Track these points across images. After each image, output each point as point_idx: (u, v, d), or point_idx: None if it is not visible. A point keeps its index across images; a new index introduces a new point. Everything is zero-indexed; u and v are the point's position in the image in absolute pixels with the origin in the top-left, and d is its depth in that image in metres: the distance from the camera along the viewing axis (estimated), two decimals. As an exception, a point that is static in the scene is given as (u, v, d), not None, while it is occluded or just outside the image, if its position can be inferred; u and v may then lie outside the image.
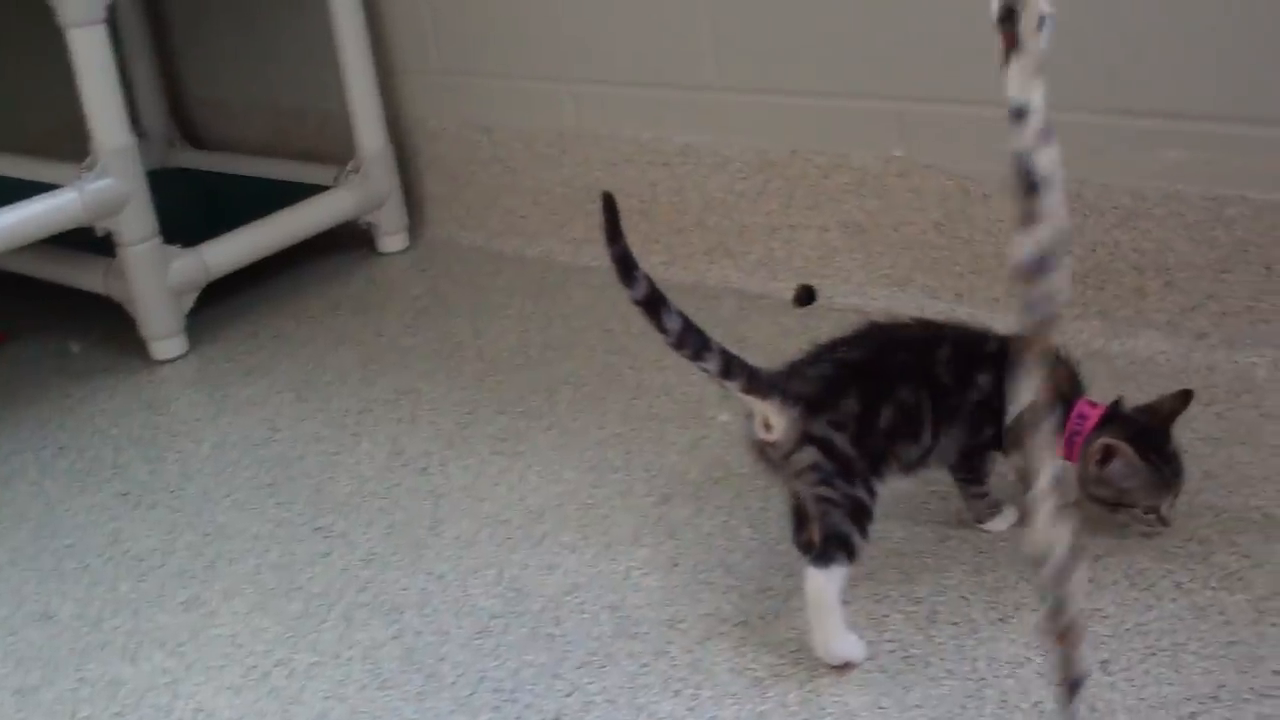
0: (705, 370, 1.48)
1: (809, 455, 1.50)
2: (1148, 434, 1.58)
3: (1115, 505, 1.60)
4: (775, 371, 1.56)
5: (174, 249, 2.56)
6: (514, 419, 2.17)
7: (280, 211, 2.74)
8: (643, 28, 2.47)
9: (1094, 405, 1.61)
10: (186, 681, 1.69)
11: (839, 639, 1.51)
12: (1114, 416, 1.59)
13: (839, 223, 2.33)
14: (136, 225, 2.48)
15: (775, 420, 1.50)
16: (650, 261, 2.59)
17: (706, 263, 2.53)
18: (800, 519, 1.62)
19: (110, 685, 1.70)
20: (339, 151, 2.90)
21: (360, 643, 1.71)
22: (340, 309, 2.70)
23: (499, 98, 2.74)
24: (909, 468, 1.58)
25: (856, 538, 1.50)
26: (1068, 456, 1.57)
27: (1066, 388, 1.59)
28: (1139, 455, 1.56)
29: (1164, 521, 1.62)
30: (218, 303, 2.68)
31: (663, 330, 1.49)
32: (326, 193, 2.82)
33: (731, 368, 1.47)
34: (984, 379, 1.57)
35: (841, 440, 1.51)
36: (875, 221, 2.28)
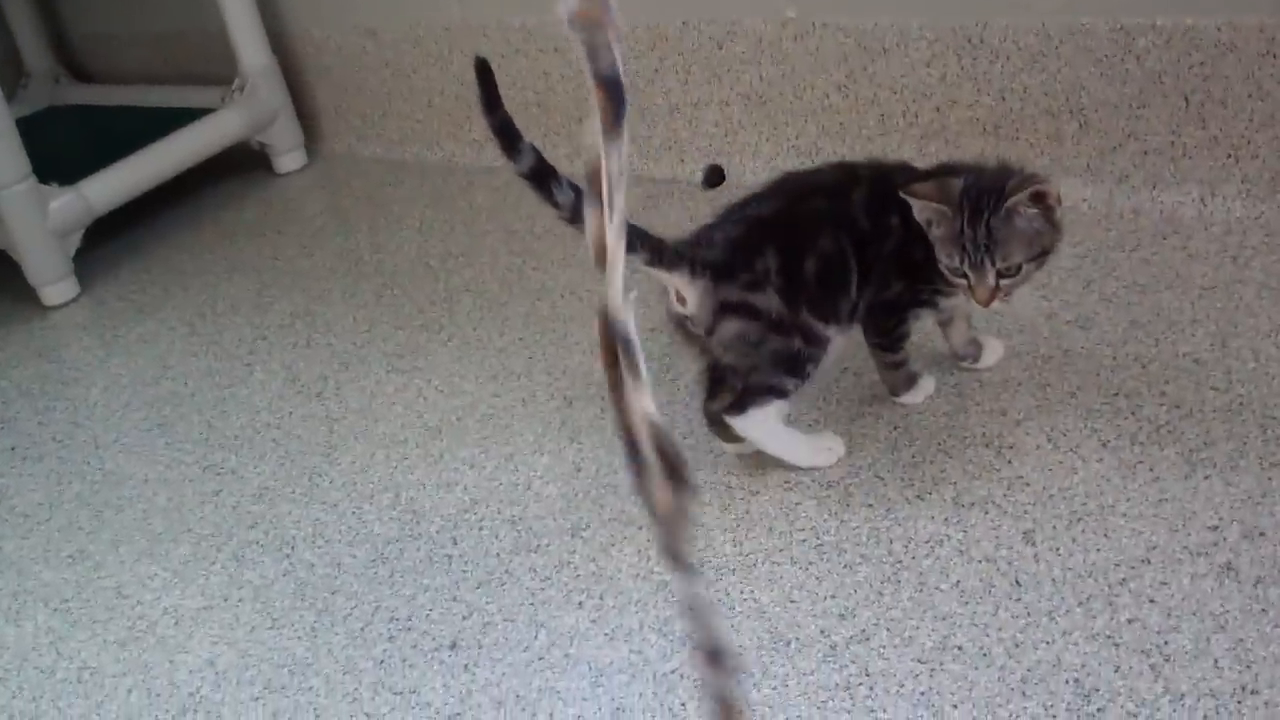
0: (559, 216, 1.40)
1: (731, 327, 1.42)
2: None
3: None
4: (683, 241, 1.46)
5: (51, 188, 2.42)
6: (412, 333, 2.06)
7: (163, 139, 2.60)
8: (519, -93, 2.33)
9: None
10: (70, 639, 1.59)
11: (805, 453, 1.51)
12: None
13: (740, 95, 2.21)
14: (7, 166, 2.34)
15: (687, 293, 1.41)
16: (553, 155, 2.47)
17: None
18: (713, 385, 1.52)
19: (-7, 650, 1.61)
20: (225, 72, 2.75)
21: (250, 582, 1.61)
22: (236, 236, 2.57)
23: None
24: (843, 321, 1.47)
25: (788, 381, 1.45)
26: None
27: None
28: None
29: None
30: (109, 240, 2.55)
31: (554, 204, 1.39)
32: (212, 115, 2.67)
33: (633, 241, 1.34)
34: (896, 222, 1.44)
35: (763, 299, 1.41)
36: (776, 90, 2.15)
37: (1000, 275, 1.37)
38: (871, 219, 1.45)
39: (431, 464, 1.74)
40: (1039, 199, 1.36)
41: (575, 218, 1.36)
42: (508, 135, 1.38)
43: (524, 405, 1.81)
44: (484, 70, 1.35)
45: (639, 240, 1.38)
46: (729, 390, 1.49)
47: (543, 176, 1.39)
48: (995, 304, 1.39)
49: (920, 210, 1.40)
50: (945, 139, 1.98)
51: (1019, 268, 1.37)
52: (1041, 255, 1.38)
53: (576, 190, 1.34)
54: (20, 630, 1.63)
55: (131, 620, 1.60)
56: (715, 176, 2.27)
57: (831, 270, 1.44)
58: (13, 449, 2.03)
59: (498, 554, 1.55)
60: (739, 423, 1.48)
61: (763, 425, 1.47)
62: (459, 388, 1.89)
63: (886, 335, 1.54)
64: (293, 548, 1.65)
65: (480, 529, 1.60)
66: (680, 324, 1.46)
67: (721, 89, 2.22)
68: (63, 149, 2.74)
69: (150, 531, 1.75)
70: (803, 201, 1.47)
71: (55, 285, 2.45)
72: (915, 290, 1.48)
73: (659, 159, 2.34)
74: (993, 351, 1.62)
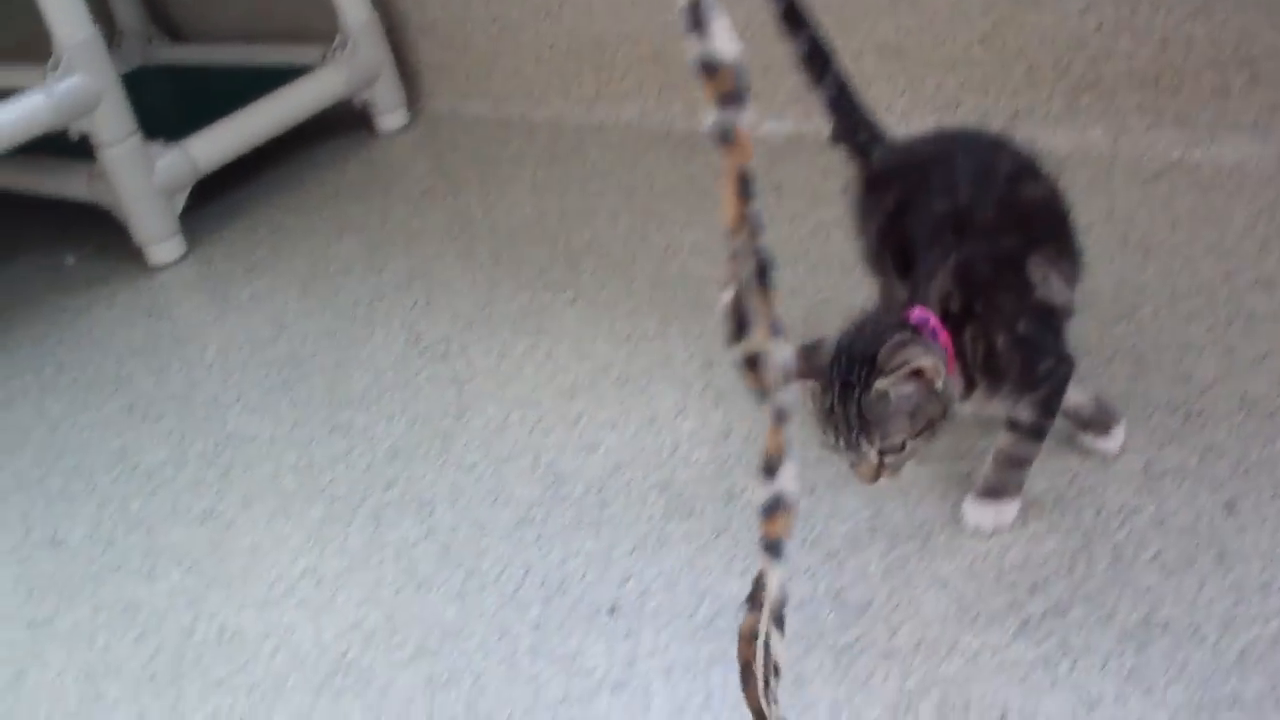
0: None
1: None
2: None
3: None
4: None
5: (157, 146, 2.38)
6: (535, 294, 2.01)
7: (267, 97, 2.55)
8: None
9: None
10: (207, 599, 1.56)
11: None
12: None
13: (874, 45, 2.14)
14: (113, 124, 2.31)
15: None
16: (671, 113, 2.42)
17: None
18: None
19: (128, 609, 1.57)
20: (322, 29, 2.71)
21: (391, 543, 1.57)
22: (341, 197, 2.53)
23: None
24: None
25: None
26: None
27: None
28: None
29: None
30: (213, 200, 2.51)
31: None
32: (313, 73, 2.63)
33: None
34: None
35: None
36: (914, 40, 2.08)
37: (883, 454, 1.22)
38: None
39: (569, 427, 1.69)
40: (916, 376, 1.18)
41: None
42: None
43: (660, 368, 1.76)
44: None
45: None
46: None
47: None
48: (884, 479, 1.24)
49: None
50: (1099, 93, 1.91)
51: (903, 444, 1.21)
52: (928, 427, 1.21)
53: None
54: (154, 590, 1.59)
55: (270, 581, 1.56)
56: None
57: None
58: (130, 408, 1.99)
59: (649, 519, 1.50)
60: None
61: None
62: (590, 350, 1.84)
63: None
64: (432, 509, 1.61)
65: (628, 493, 1.55)
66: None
67: (854, 39, 2.15)
68: (162, 108, 2.70)
69: (282, 491, 1.71)
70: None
71: (162, 244, 2.41)
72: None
73: (786, 112, 2.27)
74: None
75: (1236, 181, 1.77)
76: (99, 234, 2.52)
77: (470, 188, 2.42)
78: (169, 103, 2.84)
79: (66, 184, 2.47)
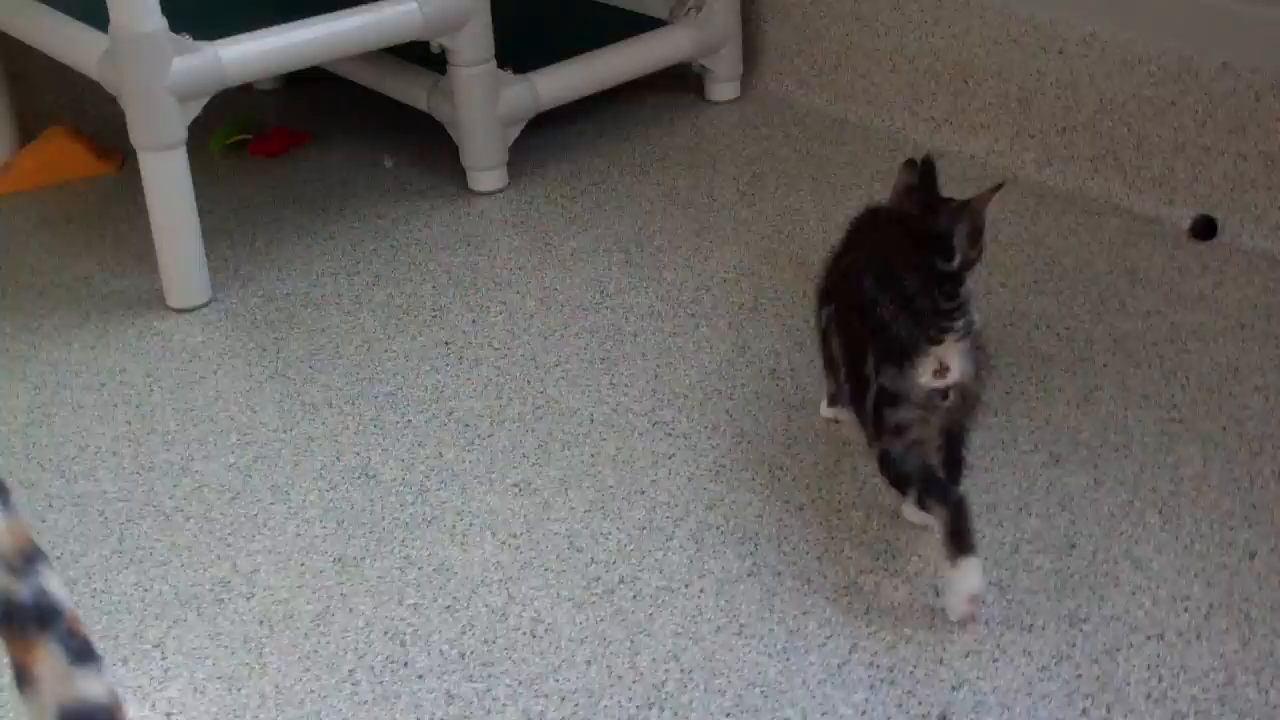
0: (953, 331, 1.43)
1: (985, 379, 1.49)
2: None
3: (976, 260, 1.61)
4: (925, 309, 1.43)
5: (507, 74, 2.37)
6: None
7: (617, 45, 2.53)
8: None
9: None
10: (522, 582, 1.56)
11: None
12: (926, 207, 1.61)
13: (1263, 153, 2.03)
14: (475, 45, 2.30)
15: (954, 361, 1.43)
16: (1022, 160, 2.33)
17: (1090, 171, 2.25)
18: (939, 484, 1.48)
19: (439, 571, 1.58)
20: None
21: (712, 572, 1.55)
22: (667, 161, 2.49)
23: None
24: None
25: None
26: None
27: None
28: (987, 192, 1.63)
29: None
30: (535, 135, 2.50)
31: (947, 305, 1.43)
32: (664, 29, 2.59)
33: (952, 326, 1.42)
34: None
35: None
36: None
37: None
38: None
39: (905, 490, 1.65)
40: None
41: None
42: (944, 243, 1.40)
43: (1003, 447, 1.70)
44: (928, 168, 1.49)
45: (945, 330, 1.41)
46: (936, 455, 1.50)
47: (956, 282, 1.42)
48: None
49: None
50: None
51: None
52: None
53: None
54: (468, 557, 1.60)
55: (587, 580, 1.55)
56: (1206, 228, 2.10)
57: None
58: (448, 344, 2.00)
59: (987, 622, 1.46)
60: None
61: None
62: (928, 407, 1.79)
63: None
64: (756, 544, 1.58)
65: (965, 585, 1.50)
66: (931, 406, 1.45)
67: (1244, 141, 2.05)
68: (503, 32, 2.67)
69: (600, 481, 1.70)
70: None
71: (489, 172, 2.41)
72: None
73: (1146, 192, 2.18)
74: None
75: None
76: (418, 141, 2.52)
77: (802, 185, 2.37)
78: (512, 28, 2.81)
79: (408, 90, 2.47)
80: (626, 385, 1.88)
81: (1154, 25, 2.11)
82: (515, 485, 1.71)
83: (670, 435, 1.78)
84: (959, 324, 1.40)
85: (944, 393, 1.44)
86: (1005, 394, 1.80)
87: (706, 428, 1.78)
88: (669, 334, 1.99)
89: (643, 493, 1.68)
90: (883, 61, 2.51)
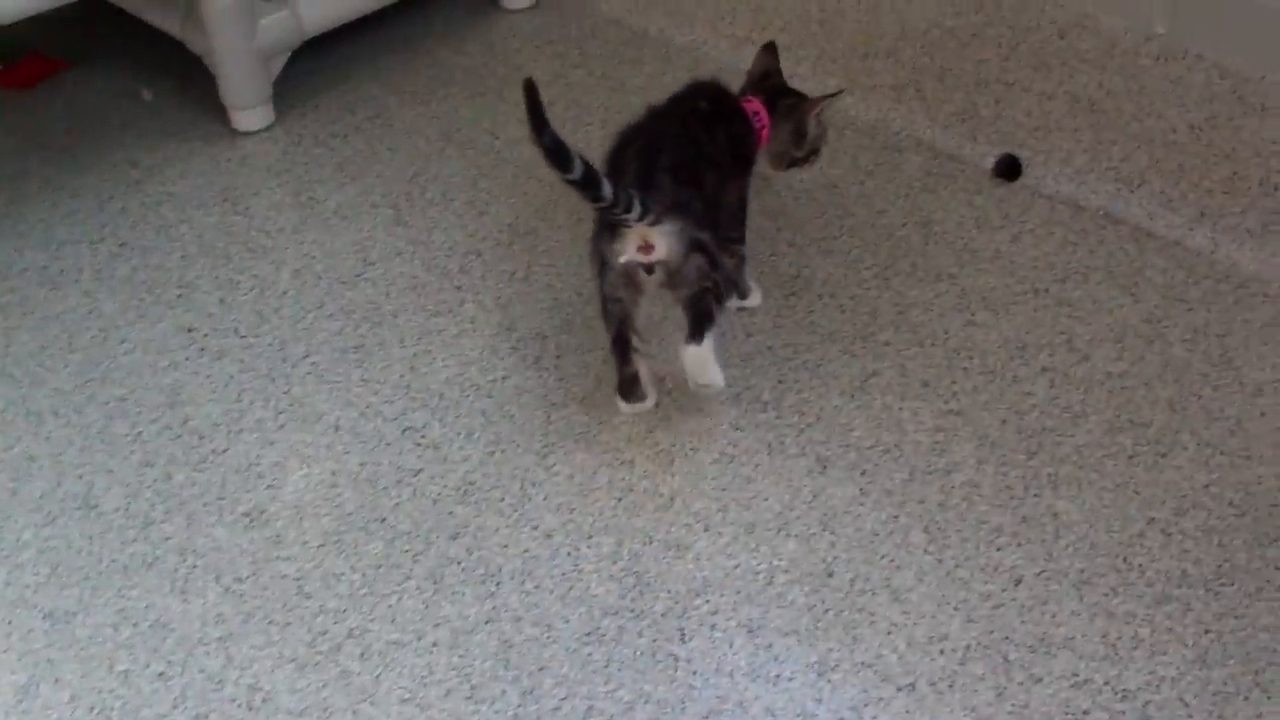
0: (601, 207, 1.50)
1: (695, 260, 1.55)
2: (792, 90, 1.77)
3: (805, 159, 1.75)
4: (629, 184, 1.52)
5: (263, 2, 2.15)
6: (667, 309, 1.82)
7: (391, -43, 2.31)
8: None
9: (748, 100, 1.72)
10: (243, 640, 1.44)
11: (718, 373, 1.58)
12: (770, 96, 1.73)
13: (1068, 93, 1.90)
14: (221, -26, 2.08)
15: (658, 240, 1.52)
16: (826, 85, 2.18)
17: (893, 101, 2.10)
18: (626, 346, 1.61)
19: (156, 629, 1.46)
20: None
21: (448, 620, 1.44)
22: (452, 88, 2.30)
23: None
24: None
25: (718, 309, 1.58)
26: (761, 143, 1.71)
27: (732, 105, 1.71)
28: (824, 97, 1.74)
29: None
30: (309, 57, 2.28)
31: (598, 201, 1.49)
32: (447, -65, 2.37)
33: (627, 200, 1.49)
34: (725, 134, 1.66)
35: (707, 231, 1.57)
36: (1115, 104, 1.85)
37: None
38: (712, 134, 1.65)
39: (660, 509, 1.54)
40: None
41: (618, 209, 1.49)
42: (559, 155, 1.44)
43: (769, 452, 1.60)
44: (532, 91, 1.44)
45: (631, 197, 1.49)
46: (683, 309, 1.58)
47: (591, 183, 1.47)
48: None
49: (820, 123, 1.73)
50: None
51: None
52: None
53: (616, 187, 1.48)
54: (188, 609, 1.48)
55: (313, 634, 1.44)
56: (1009, 168, 1.97)
57: (723, 190, 1.63)
58: (190, 331, 1.84)
59: (731, 673, 1.37)
60: (700, 351, 1.55)
61: (711, 350, 1.56)
62: (693, 404, 1.67)
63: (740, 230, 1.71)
64: (498, 583, 1.48)
65: (712, 628, 1.41)
66: (632, 276, 1.55)
67: (1047, 80, 1.91)
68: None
69: (340, 508, 1.58)
70: (690, 130, 1.64)
71: (251, 111, 2.21)
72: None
73: (949, 127, 2.04)
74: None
75: None
76: (182, 70, 2.30)
77: (594, 115, 2.19)
78: None
79: (161, 16, 2.25)
80: (379, 381, 1.74)
81: (953, -52, 1.95)
82: (246, 514, 1.58)
83: (420, 445, 1.65)
84: (631, 214, 1.49)
85: (649, 268, 1.54)
86: (778, 383, 1.69)
87: (460, 434, 1.66)
88: (431, 313, 1.84)
89: (383, 520, 1.56)
90: (681, -30, 2.32)
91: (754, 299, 1.79)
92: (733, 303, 1.72)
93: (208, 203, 2.07)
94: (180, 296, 1.90)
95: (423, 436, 1.66)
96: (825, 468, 1.57)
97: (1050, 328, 1.73)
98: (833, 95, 1.75)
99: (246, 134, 2.21)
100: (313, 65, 2.32)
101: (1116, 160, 1.87)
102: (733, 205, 1.68)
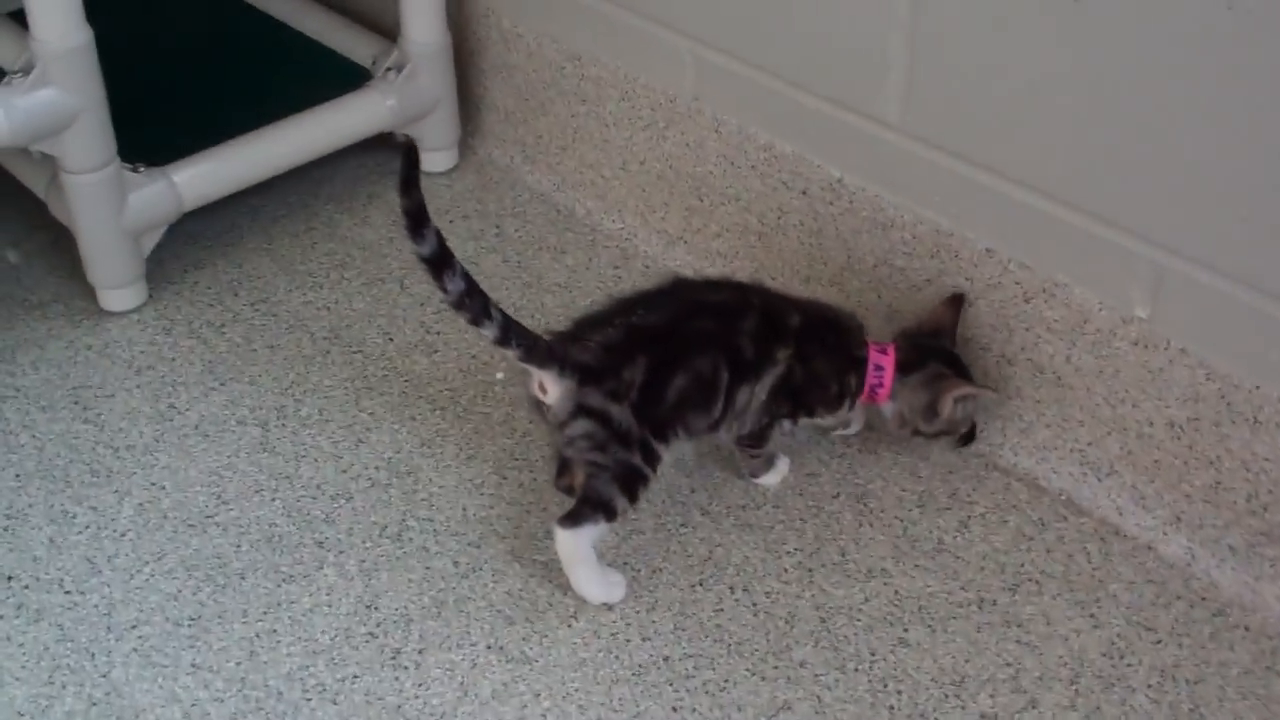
0: (485, 335, 1.43)
1: (581, 426, 1.47)
2: (954, 359, 1.61)
3: (934, 437, 1.63)
4: (560, 334, 1.50)
5: (135, 174, 1.91)
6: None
7: (290, 119, 2.07)
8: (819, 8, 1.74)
9: (882, 348, 1.59)
10: None
11: (594, 584, 1.51)
12: (910, 354, 1.60)
13: (1031, 361, 1.69)
14: (85, 150, 1.84)
15: (551, 389, 1.46)
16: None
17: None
18: (564, 464, 1.57)
19: None
20: (380, 20, 2.21)
21: None
22: (349, 270, 2.07)
23: (598, 27, 2.02)
24: (697, 435, 1.55)
25: (620, 501, 1.48)
26: (873, 402, 1.60)
27: (856, 345, 1.59)
28: (976, 386, 1.61)
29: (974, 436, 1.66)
30: (194, 221, 2.05)
31: (444, 290, 1.42)
32: (358, 94, 2.13)
33: (510, 335, 1.43)
34: (784, 354, 1.54)
35: (619, 411, 1.46)
36: (1084, 383, 1.63)
37: None
38: (758, 348, 1.52)
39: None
40: None
41: (460, 306, 1.43)
42: (417, 218, 1.40)
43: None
44: (411, 153, 1.40)
45: (515, 335, 1.43)
46: (579, 478, 1.52)
47: (440, 263, 1.42)
48: None
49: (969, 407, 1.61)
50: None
51: None
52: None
53: (468, 281, 1.42)
54: None
55: None
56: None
57: (699, 391, 1.50)
58: (10, 581, 1.60)
59: None
60: (569, 535, 1.48)
61: (584, 544, 1.49)
62: (575, 730, 1.43)
63: (761, 440, 1.61)
64: None
65: None
66: (538, 408, 1.50)
67: (1009, 343, 1.69)
68: (163, 107, 2.17)
69: None
70: (691, 320, 1.52)
71: (119, 291, 1.97)
72: (796, 415, 1.59)
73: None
74: (779, 472, 1.68)
75: None
76: (58, 225, 2.05)
77: (536, 293, 1.95)
78: (168, 101, 2.23)
79: (32, 174, 2.01)
80: (211, 670, 1.50)
81: (914, 190, 1.72)
82: None
83: (247, 768, 1.40)
84: (515, 352, 1.44)
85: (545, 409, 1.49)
86: (673, 711, 1.45)
87: (295, 756, 1.41)
88: (284, 576, 1.60)
89: None
90: (612, 155, 2.09)
91: (769, 477, 1.68)
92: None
93: (57, 404, 1.83)
94: (6, 530, 1.65)
95: (255, 752, 1.41)
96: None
97: (995, 656, 1.50)
98: (983, 389, 1.63)
99: (114, 314, 1.97)
100: (197, 229, 2.09)
101: (1084, 443, 1.65)
102: (755, 420, 1.58)
